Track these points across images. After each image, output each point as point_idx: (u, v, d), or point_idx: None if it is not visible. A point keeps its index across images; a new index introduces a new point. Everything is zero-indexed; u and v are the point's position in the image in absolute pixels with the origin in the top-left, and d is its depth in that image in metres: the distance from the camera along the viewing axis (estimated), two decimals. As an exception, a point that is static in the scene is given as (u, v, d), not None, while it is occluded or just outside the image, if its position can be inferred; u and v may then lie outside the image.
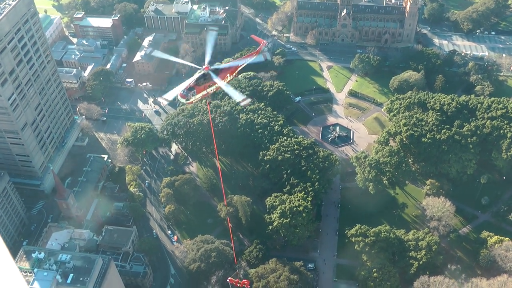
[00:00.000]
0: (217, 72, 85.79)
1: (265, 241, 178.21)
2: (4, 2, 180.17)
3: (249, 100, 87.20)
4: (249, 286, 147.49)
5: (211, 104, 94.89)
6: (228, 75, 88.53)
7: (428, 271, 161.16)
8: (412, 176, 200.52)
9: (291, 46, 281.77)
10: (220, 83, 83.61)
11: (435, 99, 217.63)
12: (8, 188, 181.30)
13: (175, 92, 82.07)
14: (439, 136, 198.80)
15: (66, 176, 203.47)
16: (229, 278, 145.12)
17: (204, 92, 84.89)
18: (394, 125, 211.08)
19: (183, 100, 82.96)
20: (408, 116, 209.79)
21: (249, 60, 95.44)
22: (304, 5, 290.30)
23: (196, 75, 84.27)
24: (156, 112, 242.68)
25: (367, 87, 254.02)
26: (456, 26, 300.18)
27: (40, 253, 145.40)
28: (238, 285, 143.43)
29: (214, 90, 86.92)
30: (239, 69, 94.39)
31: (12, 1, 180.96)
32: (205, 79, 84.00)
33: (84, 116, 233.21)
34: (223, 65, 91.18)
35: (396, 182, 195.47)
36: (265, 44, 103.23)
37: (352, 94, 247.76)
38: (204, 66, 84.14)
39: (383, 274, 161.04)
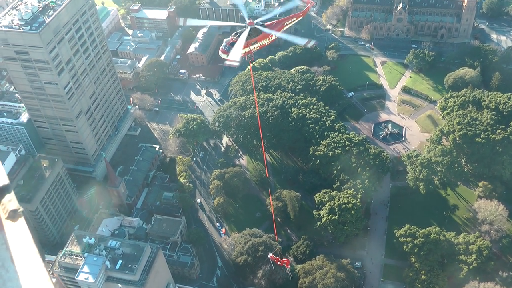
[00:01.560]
0: (262, 27, 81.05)
1: (313, 237, 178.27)
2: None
3: (314, 41, 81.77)
4: (288, 266, 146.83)
5: (253, 62, 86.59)
6: (272, 35, 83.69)
7: (478, 276, 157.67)
8: (464, 177, 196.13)
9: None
10: (275, 33, 78.01)
11: (490, 98, 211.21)
12: (61, 173, 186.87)
13: (237, 51, 76.76)
14: (493, 136, 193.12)
15: (118, 164, 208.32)
16: (270, 254, 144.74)
17: (248, 49, 79.98)
18: (447, 123, 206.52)
19: (225, 56, 78.45)
20: (462, 114, 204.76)
21: (295, 20, 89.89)
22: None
23: (243, 32, 79.12)
24: (221, 101, 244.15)
25: (421, 83, 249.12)
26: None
27: (90, 238, 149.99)
28: (278, 263, 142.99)
29: (258, 47, 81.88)
30: (285, 28, 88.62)
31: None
32: (249, 34, 79.14)
33: (137, 106, 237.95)
34: (267, 17, 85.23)
35: (448, 182, 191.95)
36: (313, 5, 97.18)
37: (406, 90, 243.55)
38: (247, 22, 79.15)
39: (431, 277, 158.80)
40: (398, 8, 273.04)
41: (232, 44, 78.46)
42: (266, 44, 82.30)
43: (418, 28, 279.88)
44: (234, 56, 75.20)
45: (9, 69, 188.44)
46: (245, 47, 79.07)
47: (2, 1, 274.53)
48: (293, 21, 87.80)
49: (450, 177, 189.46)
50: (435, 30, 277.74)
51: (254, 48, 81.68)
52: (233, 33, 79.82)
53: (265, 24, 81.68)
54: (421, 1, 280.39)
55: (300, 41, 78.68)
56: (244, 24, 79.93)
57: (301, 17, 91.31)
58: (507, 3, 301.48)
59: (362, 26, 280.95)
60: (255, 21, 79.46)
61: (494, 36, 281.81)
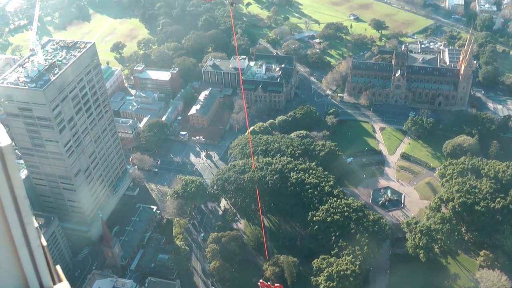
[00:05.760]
0: None
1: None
2: (70, 53, 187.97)
3: None
4: None
5: (233, 6, 74.27)
6: None
7: None
8: (465, 245, 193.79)
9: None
10: None
11: (489, 166, 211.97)
12: (56, 232, 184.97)
13: None
14: (493, 205, 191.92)
15: (114, 224, 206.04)
16: (261, 280, 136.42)
17: None
18: (446, 191, 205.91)
19: None
20: (461, 182, 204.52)
21: None
22: (359, 65, 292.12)
23: None
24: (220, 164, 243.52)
25: (420, 150, 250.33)
26: (511, 90, 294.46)
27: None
28: None
29: None
30: None
31: (78, 52, 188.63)
32: None
33: (136, 166, 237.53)
34: None
35: (448, 251, 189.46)
36: None
37: (405, 157, 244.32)
38: None
39: None
40: (397, 75, 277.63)
41: None
42: None
43: (416, 95, 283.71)
44: None
45: (11, 126, 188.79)
46: None
47: (10, 58, 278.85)
48: None
49: (451, 245, 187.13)
50: (433, 98, 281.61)
51: None
52: None
53: None
54: (419, 68, 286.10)
55: None
56: None
57: None
58: (502, 72, 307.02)
59: (361, 92, 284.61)
60: None
61: (490, 104, 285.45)
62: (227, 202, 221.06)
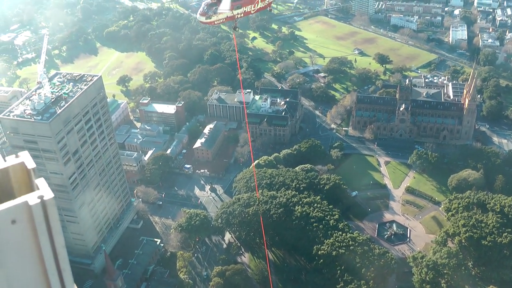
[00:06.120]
0: None
1: None
2: (77, 86, 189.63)
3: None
4: None
5: (236, 29, 69.02)
6: (259, 0, 71.51)
7: None
8: (472, 280, 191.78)
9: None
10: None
11: (495, 200, 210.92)
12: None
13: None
14: (500, 239, 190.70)
15: (117, 257, 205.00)
16: None
17: (229, 14, 69.15)
18: (452, 225, 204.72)
19: (202, 18, 68.12)
20: (467, 216, 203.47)
21: None
22: (363, 99, 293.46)
23: None
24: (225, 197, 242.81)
25: (425, 184, 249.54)
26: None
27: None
28: None
29: (241, 15, 70.04)
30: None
31: (84, 85, 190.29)
32: None
33: (140, 199, 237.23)
34: None
35: (455, 286, 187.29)
36: None
37: (410, 191, 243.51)
38: None
39: None
40: (401, 109, 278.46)
41: (212, 5, 68.44)
42: (252, 12, 71.20)
43: (420, 129, 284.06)
44: (224, 6, 65.90)
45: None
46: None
47: (17, 91, 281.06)
48: None
49: (458, 280, 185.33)
50: (437, 132, 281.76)
51: (238, 14, 70.54)
52: None
53: None
54: (423, 102, 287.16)
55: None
56: None
57: None
58: (506, 107, 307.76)
59: (366, 126, 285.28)
60: None
61: (495, 139, 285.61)
62: (231, 236, 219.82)
